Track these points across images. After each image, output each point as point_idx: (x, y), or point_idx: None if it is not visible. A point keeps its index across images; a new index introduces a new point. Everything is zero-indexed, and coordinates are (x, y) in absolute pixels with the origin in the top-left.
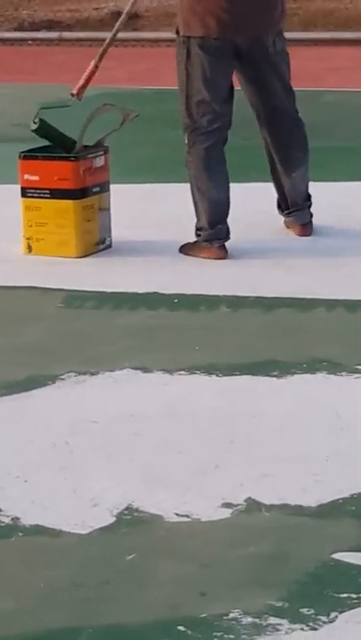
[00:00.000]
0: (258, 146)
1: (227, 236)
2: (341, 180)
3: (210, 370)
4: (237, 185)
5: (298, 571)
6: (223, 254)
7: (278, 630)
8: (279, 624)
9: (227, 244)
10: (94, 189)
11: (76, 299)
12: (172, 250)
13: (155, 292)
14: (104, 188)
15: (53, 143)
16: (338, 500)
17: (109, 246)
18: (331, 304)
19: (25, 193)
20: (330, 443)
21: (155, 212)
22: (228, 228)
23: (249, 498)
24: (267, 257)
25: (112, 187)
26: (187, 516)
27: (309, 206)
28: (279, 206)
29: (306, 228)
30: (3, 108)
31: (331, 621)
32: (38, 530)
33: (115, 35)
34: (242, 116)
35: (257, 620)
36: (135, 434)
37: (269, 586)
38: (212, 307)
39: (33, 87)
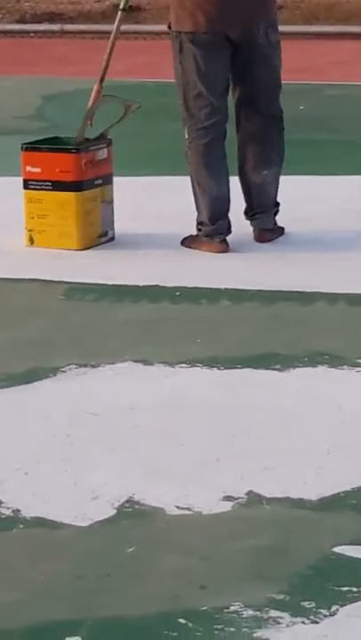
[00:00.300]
0: None
1: (228, 231)
2: (344, 174)
3: (211, 362)
4: (238, 178)
5: (299, 564)
6: (225, 248)
7: (279, 623)
8: (280, 617)
9: (228, 236)
10: (96, 182)
11: (77, 291)
12: (173, 242)
13: (156, 285)
14: (107, 180)
15: None
16: (339, 493)
17: (112, 239)
18: (332, 297)
19: (27, 185)
20: (331, 436)
21: (156, 204)
22: (229, 222)
23: (250, 491)
24: (268, 250)
25: (114, 179)
26: (188, 508)
27: (275, 213)
28: (246, 212)
29: (265, 234)
30: (4, 101)
31: (332, 614)
32: (39, 522)
33: (109, 57)
34: None
35: (258, 613)
36: (136, 426)
37: (270, 579)
38: (213, 300)
39: (34, 79)
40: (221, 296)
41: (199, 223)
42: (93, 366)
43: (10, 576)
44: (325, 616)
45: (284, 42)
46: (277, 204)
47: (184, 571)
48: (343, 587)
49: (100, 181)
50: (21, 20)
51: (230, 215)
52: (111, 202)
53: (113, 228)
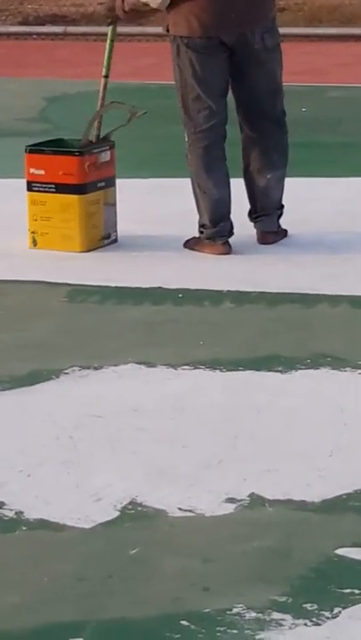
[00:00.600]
0: None
1: (230, 233)
2: (346, 176)
3: (214, 365)
4: (240, 180)
5: (301, 566)
6: (227, 250)
7: (282, 625)
8: (282, 619)
9: (230, 238)
10: (99, 184)
11: (80, 293)
12: (176, 245)
13: (159, 287)
14: (110, 182)
15: None
16: (342, 495)
17: (115, 241)
18: (335, 299)
19: (30, 187)
20: (334, 438)
21: (159, 206)
22: (231, 225)
23: (253, 493)
24: (271, 252)
25: (117, 181)
26: (190, 510)
27: (279, 216)
28: (250, 213)
29: (268, 236)
30: (8, 103)
31: (334, 617)
32: (42, 524)
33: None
34: None
35: (260, 615)
36: (139, 428)
37: (273, 581)
38: (216, 302)
39: (38, 81)
40: (224, 298)
41: (201, 225)
42: (96, 368)
43: (12, 578)
44: (328, 618)
45: (286, 44)
46: (282, 206)
47: (187, 573)
48: (346, 589)
49: (103, 184)
50: (24, 22)
51: (234, 217)
52: (114, 204)
53: (116, 231)
